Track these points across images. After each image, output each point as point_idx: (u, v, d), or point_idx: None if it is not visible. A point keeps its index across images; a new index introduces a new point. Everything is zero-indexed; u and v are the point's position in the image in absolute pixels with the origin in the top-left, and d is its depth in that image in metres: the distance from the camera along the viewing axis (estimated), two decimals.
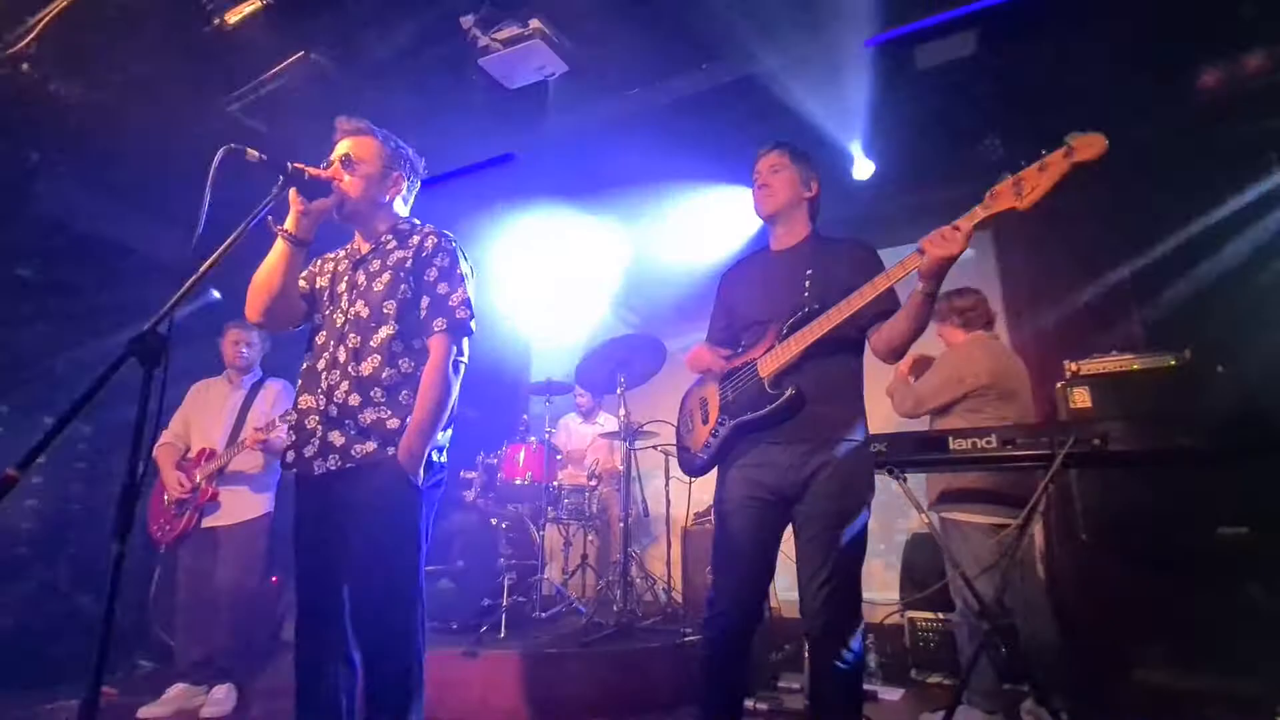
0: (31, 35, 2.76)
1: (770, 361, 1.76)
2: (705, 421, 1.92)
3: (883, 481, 4.17)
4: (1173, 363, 2.89)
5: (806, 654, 1.71)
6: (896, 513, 4.20)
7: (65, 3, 2.59)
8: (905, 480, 2.49)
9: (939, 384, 2.81)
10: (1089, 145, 1.43)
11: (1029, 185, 1.47)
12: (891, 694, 3.16)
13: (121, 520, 1.18)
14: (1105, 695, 2.71)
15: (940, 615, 3.31)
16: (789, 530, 1.79)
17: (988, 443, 2.11)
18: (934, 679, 3.31)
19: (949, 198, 2.72)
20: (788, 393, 1.70)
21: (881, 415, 3.46)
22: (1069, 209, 3.48)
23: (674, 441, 2.14)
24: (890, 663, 3.49)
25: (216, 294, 5.06)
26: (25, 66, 2.92)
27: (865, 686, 3.16)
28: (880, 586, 4.00)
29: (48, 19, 2.68)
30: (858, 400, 1.81)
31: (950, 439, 2.17)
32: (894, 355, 1.76)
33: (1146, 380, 2.92)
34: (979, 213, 1.53)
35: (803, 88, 3.40)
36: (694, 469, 1.97)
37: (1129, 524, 2.79)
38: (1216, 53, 3.33)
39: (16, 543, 5.03)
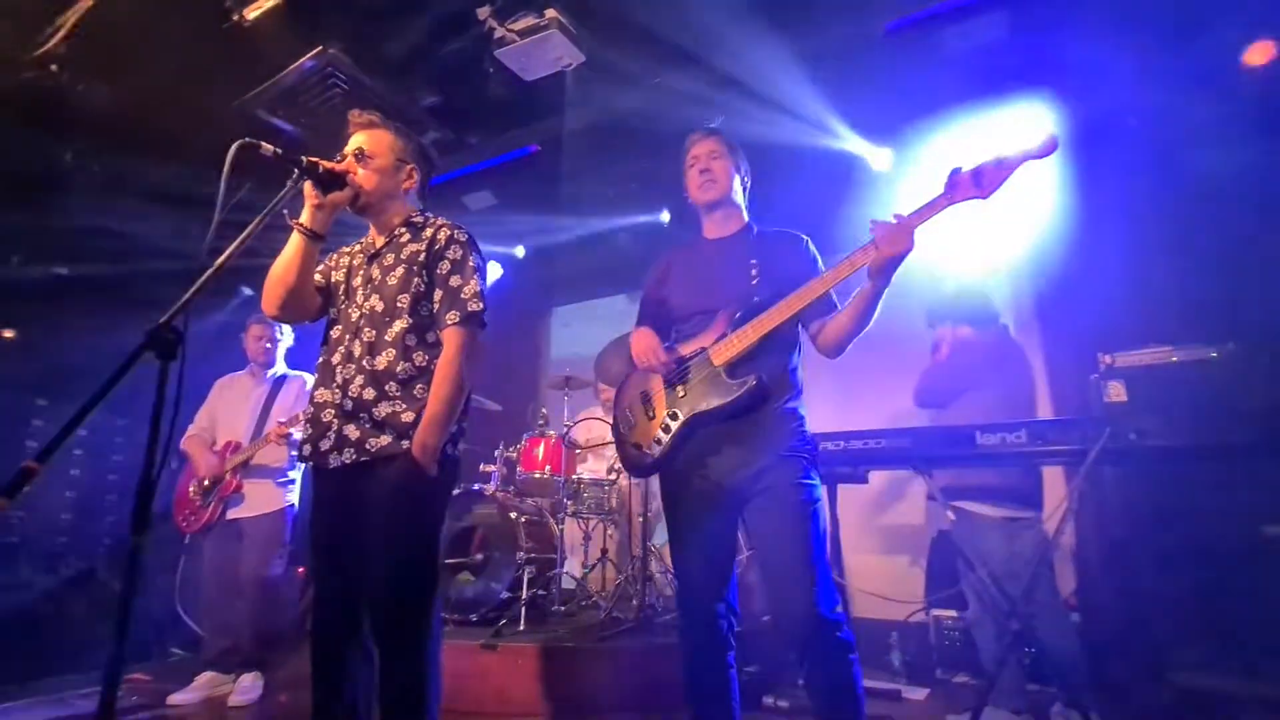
0: (59, 36, 2.81)
1: (725, 349, 1.71)
2: (651, 416, 1.83)
3: (908, 479, 4.10)
4: (1214, 355, 2.76)
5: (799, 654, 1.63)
6: (920, 511, 4.12)
7: (89, 3, 2.64)
8: (931, 476, 2.44)
9: (949, 375, 2.80)
10: (1040, 144, 1.51)
11: (988, 178, 1.53)
12: (916, 693, 3.11)
13: (139, 514, 1.19)
14: (1139, 698, 2.62)
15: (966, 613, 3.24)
16: None
17: (1017, 438, 2.04)
18: (960, 678, 3.25)
19: None
20: (750, 381, 1.66)
21: (878, 410, 3.41)
22: (1106, 196, 3.36)
23: None
24: (915, 661, 3.43)
25: (248, 291, 5.15)
26: (54, 67, 2.98)
27: (889, 685, 3.14)
28: (905, 585, 3.92)
29: (74, 20, 2.73)
30: (799, 394, 1.79)
31: (978, 434, 2.11)
32: (838, 351, 1.76)
33: (1187, 373, 2.80)
34: (943, 201, 1.56)
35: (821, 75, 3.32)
36: (643, 468, 1.85)
37: (1166, 521, 2.69)
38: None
39: (56, 532, 5.22)
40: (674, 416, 1.75)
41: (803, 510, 1.63)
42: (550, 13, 2.80)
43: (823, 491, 1.72)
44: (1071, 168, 3.59)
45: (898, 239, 1.53)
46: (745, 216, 1.97)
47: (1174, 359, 2.85)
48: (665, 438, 1.76)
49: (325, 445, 1.67)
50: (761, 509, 1.66)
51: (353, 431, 1.65)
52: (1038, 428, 2.05)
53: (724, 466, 1.70)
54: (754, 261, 1.78)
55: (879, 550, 4.22)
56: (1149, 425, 1.88)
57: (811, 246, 1.87)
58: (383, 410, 1.65)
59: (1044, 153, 1.51)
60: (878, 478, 3.92)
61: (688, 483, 1.74)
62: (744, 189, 1.98)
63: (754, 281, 1.75)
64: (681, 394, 1.76)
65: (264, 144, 1.48)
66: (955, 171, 1.56)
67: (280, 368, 3.43)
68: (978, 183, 1.53)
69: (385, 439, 1.64)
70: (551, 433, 3.93)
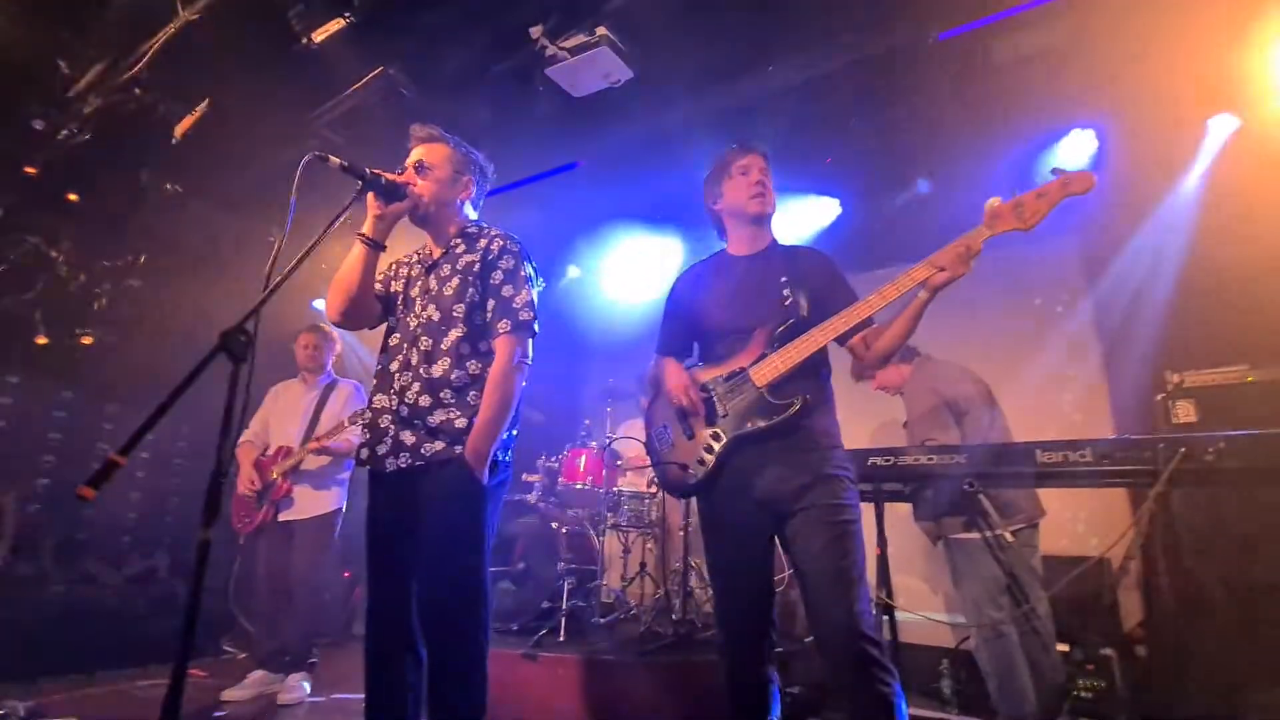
0: (143, 61, 3.01)
1: (767, 369, 1.71)
2: (690, 436, 1.81)
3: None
4: None
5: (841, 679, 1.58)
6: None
7: (173, 30, 2.82)
8: (982, 496, 2.36)
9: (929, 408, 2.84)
10: (1081, 180, 1.54)
11: (1029, 210, 1.56)
12: None
13: (209, 509, 1.23)
14: None
15: None
16: None
17: (1081, 456, 1.95)
18: None
19: None
20: (797, 401, 1.67)
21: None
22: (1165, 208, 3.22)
23: None
24: (966, 690, 3.28)
25: (320, 304, 5.38)
26: (137, 91, 3.18)
27: (939, 714, 3.01)
28: (956, 609, 3.77)
29: (157, 45, 2.91)
30: (834, 410, 1.81)
31: (1039, 451, 2.03)
32: (885, 363, 1.81)
33: (1264, 394, 2.64)
34: (984, 232, 1.59)
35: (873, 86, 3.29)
36: (686, 489, 1.82)
37: (1243, 550, 2.53)
38: None
39: (121, 531, 5.48)
40: (716, 438, 1.75)
41: (842, 528, 1.61)
42: (601, 30, 2.86)
43: (861, 510, 1.70)
44: (1128, 181, 3.47)
45: (966, 262, 1.57)
46: (772, 233, 1.98)
47: (1250, 378, 2.71)
48: (709, 458, 1.75)
49: (382, 450, 1.71)
50: (801, 527, 1.64)
51: (408, 437, 1.70)
52: (1104, 446, 1.96)
53: (764, 486, 1.69)
54: (784, 279, 1.79)
55: (928, 573, 4.08)
56: (1228, 444, 1.77)
57: (834, 262, 1.89)
58: (437, 417, 1.69)
59: (1084, 191, 1.54)
60: None
61: (728, 503, 1.74)
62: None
63: (787, 301, 1.76)
64: (723, 414, 1.76)
65: (331, 157, 1.56)
66: (993, 203, 1.60)
67: (330, 375, 3.54)
68: (1019, 214, 1.57)
69: (439, 444, 1.67)
70: (594, 444, 3.95)
